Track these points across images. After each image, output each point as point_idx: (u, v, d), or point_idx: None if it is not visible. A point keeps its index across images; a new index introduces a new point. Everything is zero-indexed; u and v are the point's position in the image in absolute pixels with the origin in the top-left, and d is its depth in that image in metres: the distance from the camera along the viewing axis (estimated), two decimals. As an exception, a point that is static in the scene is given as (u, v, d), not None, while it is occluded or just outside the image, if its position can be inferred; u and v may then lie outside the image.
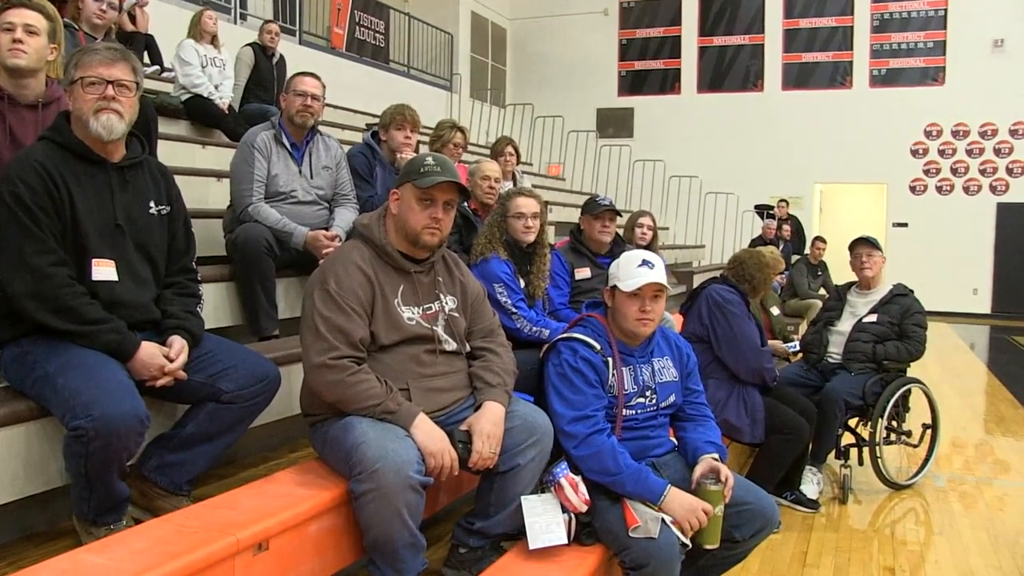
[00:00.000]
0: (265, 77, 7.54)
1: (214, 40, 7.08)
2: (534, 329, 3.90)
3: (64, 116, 2.63)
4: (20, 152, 2.63)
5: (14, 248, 2.43)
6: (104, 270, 2.55)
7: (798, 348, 5.51)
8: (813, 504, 4.66)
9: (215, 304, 3.70)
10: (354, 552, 2.64)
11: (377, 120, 4.97)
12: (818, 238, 11.29)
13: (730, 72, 16.97)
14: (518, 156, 6.46)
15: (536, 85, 17.69)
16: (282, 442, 3.47)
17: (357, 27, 14.16)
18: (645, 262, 2.96)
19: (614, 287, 2.99)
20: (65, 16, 4.02)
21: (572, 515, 2.84)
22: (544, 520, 2.79)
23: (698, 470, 2.94)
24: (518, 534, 2.83)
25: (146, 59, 8.01)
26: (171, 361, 2.57)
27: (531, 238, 4.02)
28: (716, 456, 2.99)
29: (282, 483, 2.68)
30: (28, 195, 2.43)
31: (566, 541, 2.79)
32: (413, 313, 2.74)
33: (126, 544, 2.20)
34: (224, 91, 6.96)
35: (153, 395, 2.54)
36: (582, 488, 2.82)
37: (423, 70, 15.77)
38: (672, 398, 3.12)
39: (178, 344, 2.61)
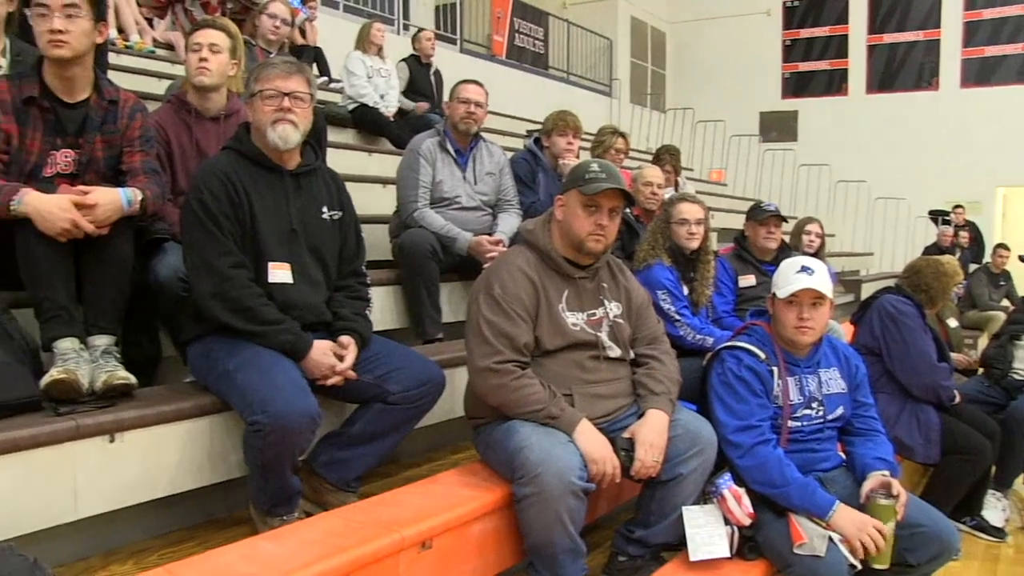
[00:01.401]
0: (423, 86, 7.72)
1: (380, 51, 7.30)
2: (698, 337, 3.83)
3: (245, 127, 2.78)
4: (205, 162, 2.81)
5: (199, 251, 2.58)
6: (280, 273, 2.66)
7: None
8: (998, 532, 4.38)
9: (381, 307, 3.80)
10: (515, 555, 2.66)
11: (537, 127, 5.00)
12: (1000, 245, 10.61)
13: (902, 70, 16.17)
14: (676, 170, 6.41)
15: (697, 89, 17.37)
16: (444, 443, 3.52)
17: (517, 34, 14.31)
18: (804, 268, 2.87)
19: (774, 294, 2.91)
20: (244, 33, 4.22)
21: (735, 528, 2.77)
22: (706, 532, 2.73)
23: (867, 485, 2.82)
24: (678, 544, 2.78)
25: (315, 70, 8.34)
26: (341, 361, 2.66)
27: (695, 244, 3.96)
28: (887, 472, 2.85)
29: (446, 484, 2.73)
30: (212, 202, 2.57)
31: (728, 554, 2.73)
32: (577, 319, 2.74)
33: (298, 535, 2.30)
34: (389, 100, 7.17)
35: (324, 394, 2.63)
36: (746, 501, 2.75)
37: (582, 76, 15.78)
38: (840, 410, 3.00)
39: (348, 344, 2.70)
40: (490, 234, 4.18)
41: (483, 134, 4.51)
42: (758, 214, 4.58)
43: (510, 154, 4.86)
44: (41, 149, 2.70)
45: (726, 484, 2.76)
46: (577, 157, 4.73)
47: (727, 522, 2.75)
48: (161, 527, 2.67)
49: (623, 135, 5.46)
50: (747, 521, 2.75)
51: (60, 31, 2.60)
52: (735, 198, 13.00)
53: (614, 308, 2.84)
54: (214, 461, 2.64)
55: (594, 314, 2.79)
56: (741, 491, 2.76)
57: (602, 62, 16.36)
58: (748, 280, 4.53)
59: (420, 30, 8.36)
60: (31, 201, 2.47)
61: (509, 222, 4.29)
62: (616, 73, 16.39)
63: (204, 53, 3.21)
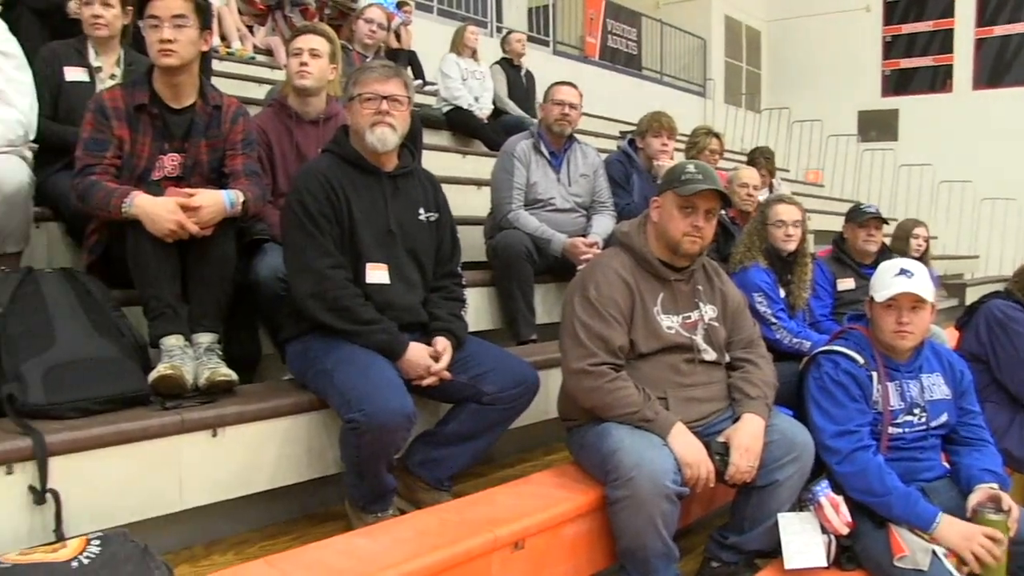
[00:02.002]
0: (515, 88, 7.75)
1: (474, 54, 7.36)
2: (795, 340, 3.76)
3: (344, 130, 2.83)
4: (306, 164, 2.88)
5: (299, 252, 2.63)
6: (377, 273, 2.70)
7: None
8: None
9: (476, 308, 3.83)
10: (607, 557, 2.64)
11: (630, 128, 4.97)
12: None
13: (1014, 64, 15.52)
14: (771, 172, 6.29)
15: (793, 88, 16.99)
16: (537, 444, 3.52)
17: (610, 35, 14.25)
18: (903, 271, 2.78)
19: (871, 298, 2.83)
20: (341, 38, 4.31)
21: (832, 537, 2.70)
22: (802, 539, 2.67)
23: (974, 498, 2.71)
24: (773, 552, 2.73)
25: (409, 73, 8.44)
26: (436, 361, 2.68)
27: (792, 246, 3.89)
28: (996, 485, 2.74)
29: (538, 484, 2.73)
30: (312, 203, 2.63)
31: (825, 564, 2.66)
32: (672, 322, 2.71)
33: (392, 532, 2.33)
34: (484, 103, 7.22)
35: (420, 394, 2.66)
36: (844, 509, 2.68)
37: (676, 76, 15.62)
38: (944, 417, 2.89)
39: (443, 345, 2.72)
40: (584, 236, 4.16)
41: (577, 136, 4.50)
42: (858, 216, 4.46)
43: (604, 156, 4.83)
44: (150, 153, 2.80)
45: (823, 491, 2.69)
46: (671, 158, 4.69)
47: (824, 530, 2.68)
48: (260, 520, 2.73)
49: (717, 136, 5.39)
50: (845, 530, 2.67)
51: (169, 40, 2.70)
52: (832, 199, 12.70)
53: (709, 311, 2.80)
54: (311, 457, 2.69)
55: (689, 317, 2.76)
56: (839, 499, 2.68)
57: (696, 62, 16.17)
58: (847, 283, 4.42)
59: (510, 32, 8.40)
60: (141, 203, 2.57)
61: (603, 224, 4.28)
62: (710, 73, 16.17)
63: (304, 58, 3.29)
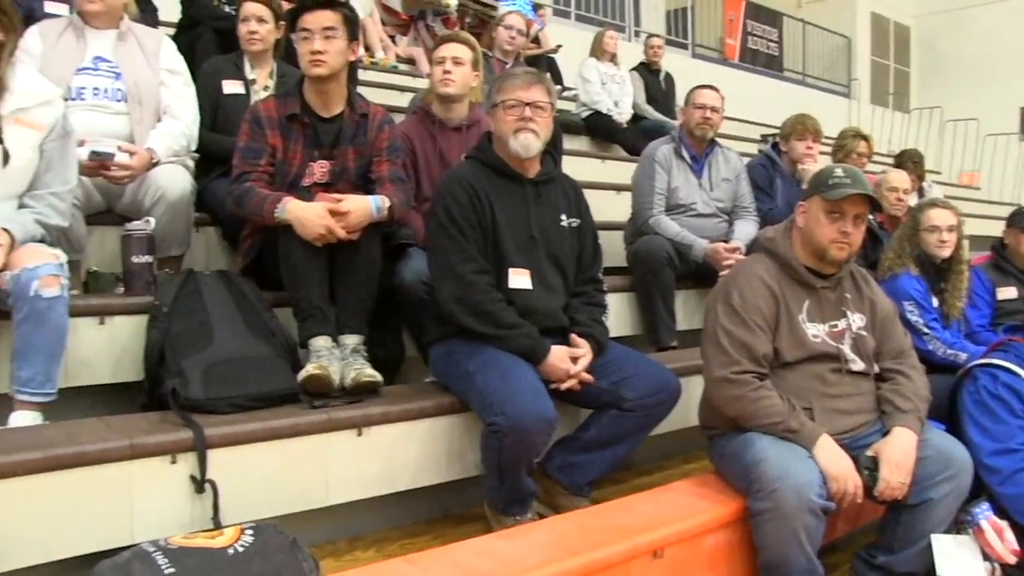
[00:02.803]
0: (654, 92, 7.68)
1: (614, 58, 7.33)
2: (949, 352, 3.59)
3: (487, 136, 2.86)
4: (450, 171, 2.93)
5: (443, 257, 2.68)
6: (519, 278, 2.72)
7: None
8: None
9: (616, 313, 3.81)
10: (748, 571, 2.57)
11: (771, 131, 4.85)
12: None
13: None
14: (920, 176, 6.03)
15: (945, 86, 16.21)
16: (677, 452, 3.48)
17: (750, 36, 13.99)
18: None
19: None
20: (481, 46, 4.37)
21: (996, 564, 2.55)
22: (959, 565, 2.53)
23: None
24: (926, 575, 2.60)
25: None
26: (576, 361, 2.68)
27: (946, 253, 3.71)
28: None
29: (678, 493, 2.69)
30: (456, 209, 2.67)
31: None
32: (818, 330, 2.63)
33: (531, 536, 2.34)
34: (623, 107, 7.18)
35: (560, 398, 2.66)
36: (1009, 535, 2.53)
37: (819, 77, 15.17)
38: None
39: (584, 349, 2.72)
40: (726, 241, 4.09)
41: (718, 140, 4.43)
42: (1021, 220, 4.21)
43: (746, 160, 4.74)
44: (301, 161, 2.92)
45: (984, 514, 2.55)
46: (816, 162, 4.56)
47: (986, 557, 2.54)
48: (401, 518, 2.79)
49: (866, 138, 5.19)
50: (1012, 559, 2.52)
51: (320, 51, 2.81)
52: (990, 203, 12.04)
53: (857, 319, 2.70)
54: (452, 459, 2.74)
55: (836, 325, 2.67)
56: (1003, 524, 2.54)
57: (840, 62, 15.66)
58: (1008, 292, 4.17)
59: (649, 36, 8.33)
60: (292, 209, 2.68)
61: (746, 229, 4.19)
62: (855, 73, 15.63)
63: (448, 66, 3.35)
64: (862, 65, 15.79)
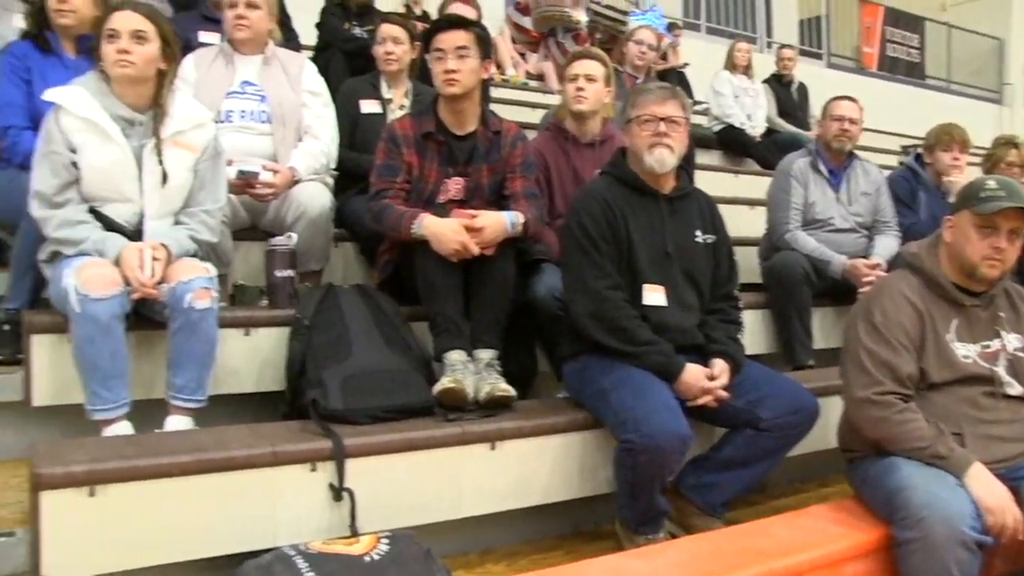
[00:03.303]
0: (787, 104, 7.52)
1: (747, 71, 7.22)
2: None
3: (621, 152, 2.86)
4: (584, 186, 2.94)
5: (577, 272, 2.69)
6: (654, 295, 2.70)
7: None
8: None
9: (751, 331, 3.73)
10: (893, 604, 2.48)
11: (913, 141, 4.67)
12: None
13: None
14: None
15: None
16: (813, 475, 3.37)
17: (889, 44, 13.52)
18: None
19: None
20: (612, 61, 4.37)
21: None
22: None
23: None
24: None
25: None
26: (712, 380, 2.65)
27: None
28: None
29: (816, 517, 2.60)
30: (591, 225, 2.68)
31: None
32: (969, 351, 2.51)
33: (664, 555, 2.31)
34: (757, 120, 7.07)
35: (695, 417, 2.63)
36: None
37: (965, 83, 14.49)
38: None
39: (721, 367, 2.68)
40: (866, 257, 3.96)
41: (856, 152, 4.30)
42: None
43: (887, 172, 4.58)
44: (436, 178, 2.98)
45: None
46: (963, 173, 4.36)
47: None
48: (532, 533, 2.79)
49: (1017, 146, 4.94)
50: None
51: (453, 71, 2.87)
52: None
53: (1013, 340, 2.56)
54: (584, 475, 2.73)
55: (988, 346, 2.54)
56: None
57: (990, 66, 14.89)
58: None
59: (781, 47, 8.16)
60: (428, 225, 2.73)
61: (887, 244, 4.05)
62: (1008, 77, 14.81)
63: (581, 82, 3.37)
64: (1015, 68, 14.93)
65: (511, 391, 2.71)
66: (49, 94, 2.57)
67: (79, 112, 2.53)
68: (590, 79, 3.39)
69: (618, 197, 2.73)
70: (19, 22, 3.35)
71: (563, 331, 2.84)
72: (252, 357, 2.83)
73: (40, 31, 3.11)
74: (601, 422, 2.67)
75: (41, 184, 2.53)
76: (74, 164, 2.54)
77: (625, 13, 6.80)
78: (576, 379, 2.78)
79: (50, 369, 2.57)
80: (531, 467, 2.65)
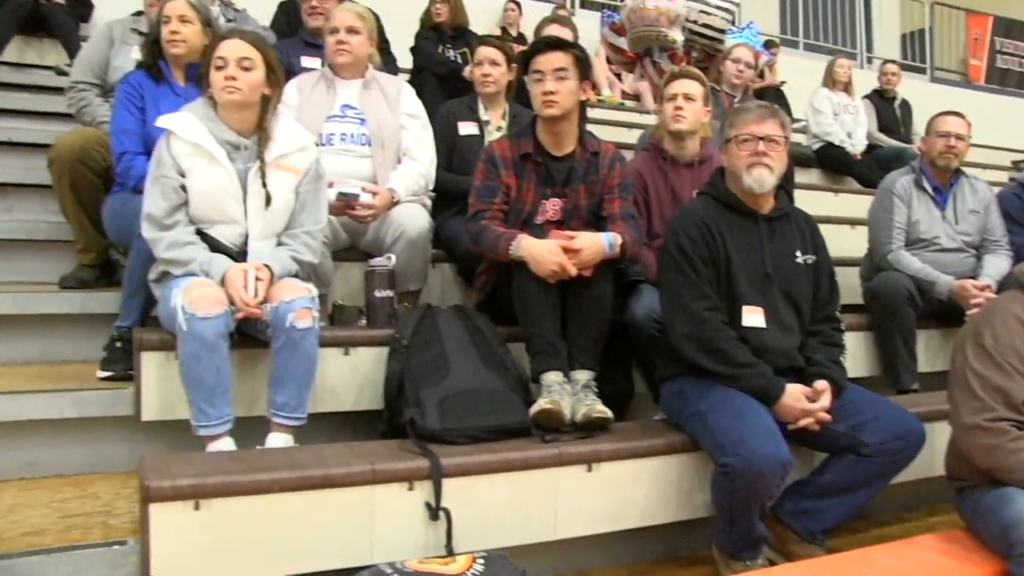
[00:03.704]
0: (888, 120, 7.33)
1: (847, 87, 7.08)
2: None
3: (719, 172, 2.84)
4: (683, 206, 2.92)
5: (675, 293, 2.67)
6: (753, 316, 2.67)
7: None
8: None
9: (853, 354, 3.62)
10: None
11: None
12: None
13: None
14: None
15: None
16: (919, 503, 3.26)
17: (998, 55, 13.04)
18: None
19: None
20: (709, 80, 4.35)
21: None
22: None
23: None
24: None
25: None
26: (813, 403, 2.60)
27: None
28: None
29: (923, 548, 2.52)
30: (689, 246, 2.65)
31: None
32: None
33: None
34: (857, 138, 6.91)
35: (795, 441, 2.58)
36: None
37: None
38: None
39: (822, 387, 2.62)
40: (974, 277, 3.82)
41: (963, 169, 4.16)
42: None
43: (996, 189, 4.41)
44: (534, 199, 2.99)
45: None
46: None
47: None
48: (628, 556, 2.77)
49: None
50: None
51: (552, 92, 2.88)
52: None
53: None
54: (680, 499, 2.70)
55: None
56: None
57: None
58: None
59: (884, 62, 7.96)
60: (526, 246, 2.75)
61: (997, 264, 3.90)
62: None
63: (680, 102, 3.35)
64: None
65: (608, 412, 2.69)
66: (161, 120, 2.68)
67: (188, 137, 2.62)
68: (689, 99, 3.37)
69: (716, 217, 2.71)
70: (136, 54, 3.52)
71: (660, 352, 2.83)
72: (351, 376, 2.88)
73: (154, 61, 3.24)
74: (699, 445, 2.64)
75: (152, 207, 2.63)
76: (183, 187, 2.63)
77: (722, 31, 6.71)
78: (673, 401, 2.75)
79: (158, 385, 2.65)
80: (627, 489, 2.63)
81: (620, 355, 3.08)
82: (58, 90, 4.68)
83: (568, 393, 2.72)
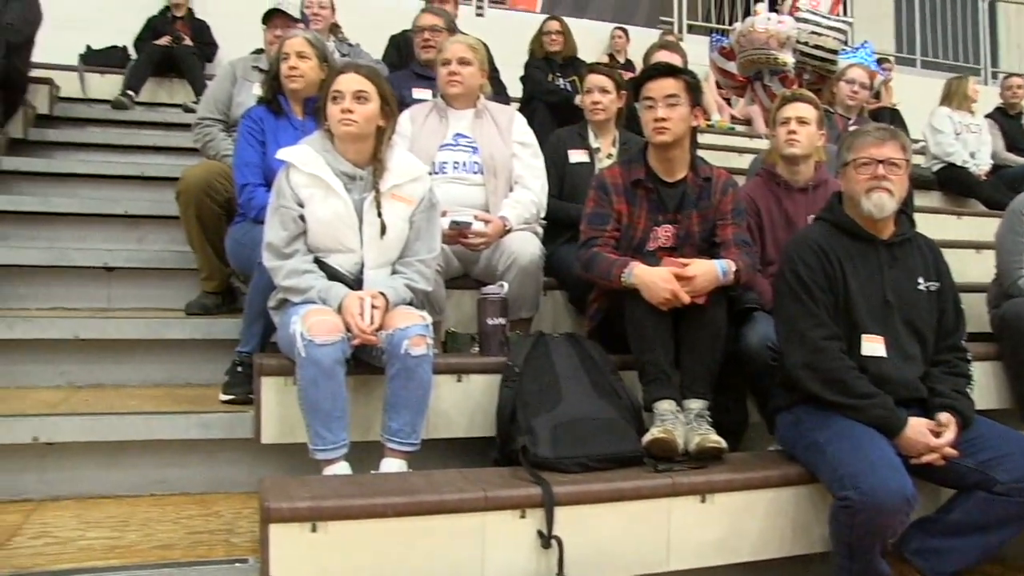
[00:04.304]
0: (1015, 137, 7.02)
1: (969, 105, 6.81)
2: None
3: (837, 196, 2.78)
4: (799, 232, 2.87)
5: (791, 322, 2.62)
6: (873, 345, 2.59)
7: None
8: None
9: (980, 384, 3.45)
10: None
11: None
12: None
13: None
14: None
15: None
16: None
17: None
18: None
19: None
20: (822, 102, 4.27)
21: None
22: None
23: None
24: None
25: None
26: (938, 436, 2.50)
27: None
28: None
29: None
30: (806, 273, 2.60)
31: None
32: None
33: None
34: (981, 158, 6.64)
35: (919, 475, 2.48)
36: None
37: None
38: None
39: (947, 420, 2.53)
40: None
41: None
42: None
43: None
44: (645, 226, 2.98)
45: None
46: None
47: None
48: (739, 591, 2.72)
49: None
50: None
51: (663, 119, 2.88)
52: None
53: None
54: (797, 532, 2.63)
55: None
56: None
57: None
58: None
59: (1007, 76, 7.65)
60: (639, 273, 2.74)
61: None
62: None
63: (793, 126, 3.30)
64: None
65: (722, 442, 2.65)
66: (281, 153, 2.77)
67: (306, 169, 2.70)
68: (802, 122, 3.32)
69: (834, 244, 2.64)
70: (256, 90, 3.66)
71: (776, 382, 2.77)
72: (464, 403, 2.90)
73: (273, 96, 3.36)
74: (816, 477, 2.56)
75: (272, 236, 2.71)
76: (301, 217, 2.71)
77: (835, 52, 6.56)
78: (790, 431, 2.69)
79: (277, 409, 2.73)
80: (742, 522, 2.58)
81: (734, 384, 3.02)
82: (185, 126, 4.91)
83: (681, 422, 2.68)
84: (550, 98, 5.42)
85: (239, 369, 3.02)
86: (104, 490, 2.80)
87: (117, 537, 2.43)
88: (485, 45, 3.69)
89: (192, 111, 5.41)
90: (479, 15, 8.37)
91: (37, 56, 5.12)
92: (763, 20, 6.37)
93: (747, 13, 7.23)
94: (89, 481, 2.80)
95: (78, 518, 2.57)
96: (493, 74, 4.30)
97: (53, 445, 2.78)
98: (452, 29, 4.33)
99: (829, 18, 6.45)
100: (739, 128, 7.28)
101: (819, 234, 2.69)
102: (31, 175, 4.75)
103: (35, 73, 5.32)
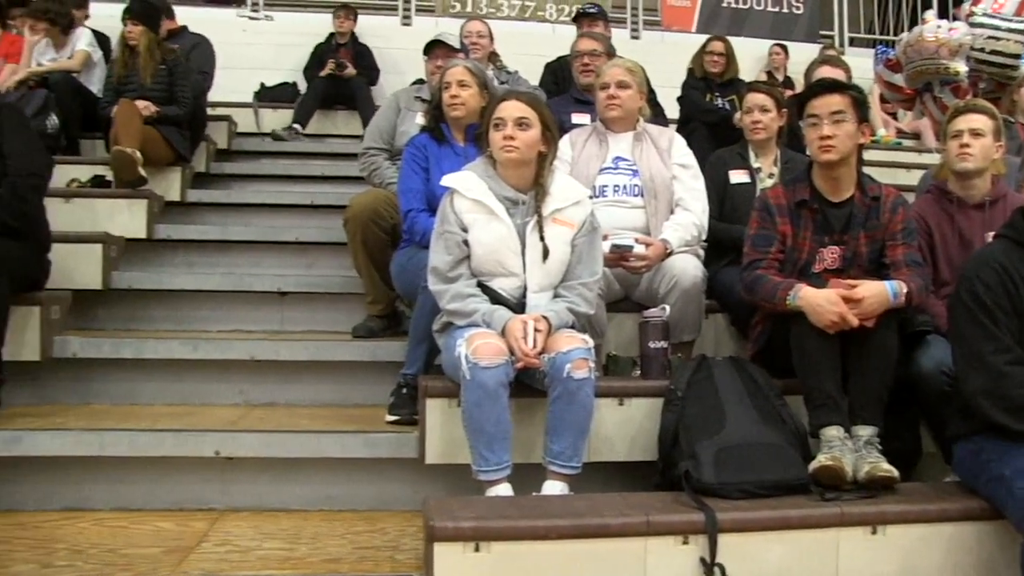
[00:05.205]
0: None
1: None
2: None
3: (1020, 212, 2.62)
4: (978, 251, 2.73)
5: (970, 345, 2.48)
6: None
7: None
8: None
9: None
10: None
11: None
12: None
13: None
14: None
15: None
16: None
17: None
18: None
19: None
20: (1000, 111, 4.05)
21: None
22: None
23: None
24: None
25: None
26: None
27: None
28: None
29: None
30: (985, 293, 2.46)
31: None
32: None
33: None
34: None
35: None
36: None
37: None
38: None
39: None
40: None
41: None
42: None
43: None
44: (810, 247, 2.91)
45: None
46: None
47: None
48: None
49: None
50: None
51: (829, 136, 2.80)
52: None
53: None
54: (982, 571, 2.48)
55: None
56: None
57: None
58: None
59: None
60: (805, 296, 2.68)
61: None
62: None
63: (965, 138, 3.14)
64: None
65: (894, 472, 2.55)
66: (445, 180, 2.85)
67: (470, 194, 2.77)
68: (976, 134, 3.15)
69: (1017, 262, 2.49)
70: (419, 119, 3.78)
71: (953, 409, 2.62)
72: (625, 427, 2.90)
73: (436, 124, 3.47)
74: (1001, 513, 2.41)
75: (437, 260, 2.79)
76: (465, 242, 2.78)
77: (1016, 56, 6.21)
78: (969, 462, 2.54)
79: (441, 430, 2.80)
80: (918, 557, 2.46)
81: (905, 410, 2.90)
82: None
83: (850, 449, 2.59)
84: (708, 118, 5.36)
85: (404, 390, 3.10)
86: (278, 503, 2.94)
87: (290, 549, 2.56)
88: (642, 68, 3.70)
89: (282, 138, 6.18)
90: (634, 37, 8.35)
91: (217, 95, 5.48)
92: (932, 28, 6.09)
93: (914, 23, 6.94)
94: (264, 494, 2.95)
95: (255, 529, 2.72)
96: (651, 96, 4.30)
97: (232, 460, 2.94)
98: (611, 53, 4.36)
99: (1011, 20, 6.10)
100: (906, 143, 6.98)
101: (1001, 252, 2.54)
102: (212, 206, 5.09)
103: (215, 112, 5.69)
